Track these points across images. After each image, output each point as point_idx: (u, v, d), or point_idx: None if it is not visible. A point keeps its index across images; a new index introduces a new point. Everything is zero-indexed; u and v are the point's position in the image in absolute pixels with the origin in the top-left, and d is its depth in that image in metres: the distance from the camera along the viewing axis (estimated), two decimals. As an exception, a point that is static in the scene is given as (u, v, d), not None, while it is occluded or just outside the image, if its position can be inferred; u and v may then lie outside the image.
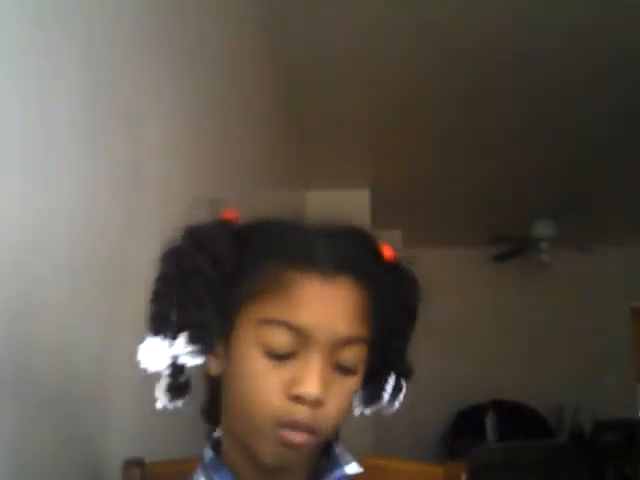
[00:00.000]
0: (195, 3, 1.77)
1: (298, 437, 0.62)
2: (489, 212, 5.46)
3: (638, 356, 6.36)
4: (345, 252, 0.66)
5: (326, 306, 0.63)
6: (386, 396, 0.73)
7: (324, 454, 0.70)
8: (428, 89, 3.38)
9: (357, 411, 0.74)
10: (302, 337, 0.62)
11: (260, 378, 0.63)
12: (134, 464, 0.89)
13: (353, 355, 0.65)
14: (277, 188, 3.29)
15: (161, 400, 0.67)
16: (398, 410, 0.75)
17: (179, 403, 0.68)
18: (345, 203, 4.08)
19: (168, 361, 0.63)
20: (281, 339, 0.63)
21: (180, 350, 0.63)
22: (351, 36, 2.87)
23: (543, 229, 5.31)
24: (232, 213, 0.70)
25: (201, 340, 0.63)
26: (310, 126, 3.79)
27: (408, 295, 0.72)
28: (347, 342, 0.64)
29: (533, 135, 3.99)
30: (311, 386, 0.62)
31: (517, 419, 5.75)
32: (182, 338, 0.63)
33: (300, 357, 0.63)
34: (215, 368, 0.68)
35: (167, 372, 0.64)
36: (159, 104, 1.41)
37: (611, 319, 6.20)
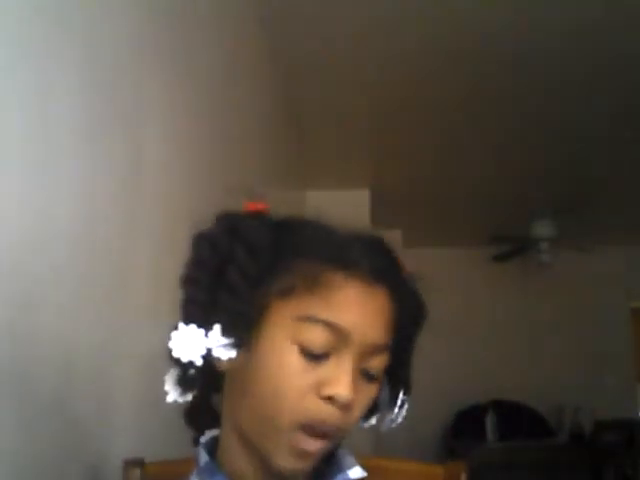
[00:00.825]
0: (195, 3, 1.77)
1: (313, 445, 0.62)
2: (489, 212, 5.46)
3: (638, 356, 6.36)
4: (381, 263, 0.66)
5: (365, 311, 0.64)
6: (396, 410, 0.73)
7: (326, 457, 0.68)
8: (428, 89, 3.38)
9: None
10: (340, 338, 0.62)
11: (293, 376, 0.62)
12: (134, 464, 0.89)
13: (379, 363, 0.66)
14: (277, 188, 3.28)
15: (171, 394, 0.65)
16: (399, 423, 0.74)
17: (189, 397, 0.66)
18: (345, 203, 4.07)
19: (203, 352, 0.61)
20: (320, 338, 0.62)
21: (215, 342, 0.61)
22: (351, 36, 2.87)
23: (543, 229, 5.30)
24: (263, 205, 0.68)
25: (235, 331, 0.62)
26: (310, 126, 3.79)
27: (417, 313, 0.72)
28: (377, 349, 0.65)
29: (533, 135, 3.99)
30: (344, 388, 0.62)
31: (517, 419, 5.75)
32: (217, 329, 0.61)
33: (333, 359, 0.63)
34: (227, 363, 0.64)
35: (199, 362, 0.62)
36: (159, 104, 1.41)
37: (611, 319, 6.20)
